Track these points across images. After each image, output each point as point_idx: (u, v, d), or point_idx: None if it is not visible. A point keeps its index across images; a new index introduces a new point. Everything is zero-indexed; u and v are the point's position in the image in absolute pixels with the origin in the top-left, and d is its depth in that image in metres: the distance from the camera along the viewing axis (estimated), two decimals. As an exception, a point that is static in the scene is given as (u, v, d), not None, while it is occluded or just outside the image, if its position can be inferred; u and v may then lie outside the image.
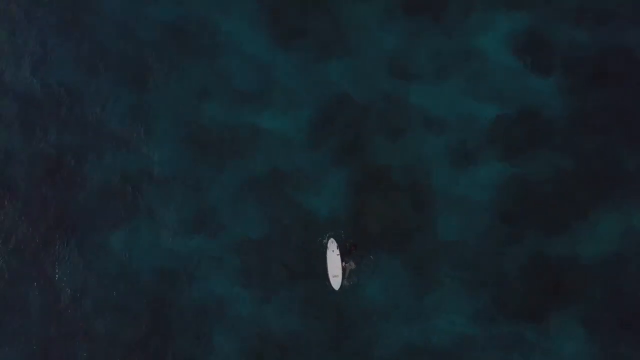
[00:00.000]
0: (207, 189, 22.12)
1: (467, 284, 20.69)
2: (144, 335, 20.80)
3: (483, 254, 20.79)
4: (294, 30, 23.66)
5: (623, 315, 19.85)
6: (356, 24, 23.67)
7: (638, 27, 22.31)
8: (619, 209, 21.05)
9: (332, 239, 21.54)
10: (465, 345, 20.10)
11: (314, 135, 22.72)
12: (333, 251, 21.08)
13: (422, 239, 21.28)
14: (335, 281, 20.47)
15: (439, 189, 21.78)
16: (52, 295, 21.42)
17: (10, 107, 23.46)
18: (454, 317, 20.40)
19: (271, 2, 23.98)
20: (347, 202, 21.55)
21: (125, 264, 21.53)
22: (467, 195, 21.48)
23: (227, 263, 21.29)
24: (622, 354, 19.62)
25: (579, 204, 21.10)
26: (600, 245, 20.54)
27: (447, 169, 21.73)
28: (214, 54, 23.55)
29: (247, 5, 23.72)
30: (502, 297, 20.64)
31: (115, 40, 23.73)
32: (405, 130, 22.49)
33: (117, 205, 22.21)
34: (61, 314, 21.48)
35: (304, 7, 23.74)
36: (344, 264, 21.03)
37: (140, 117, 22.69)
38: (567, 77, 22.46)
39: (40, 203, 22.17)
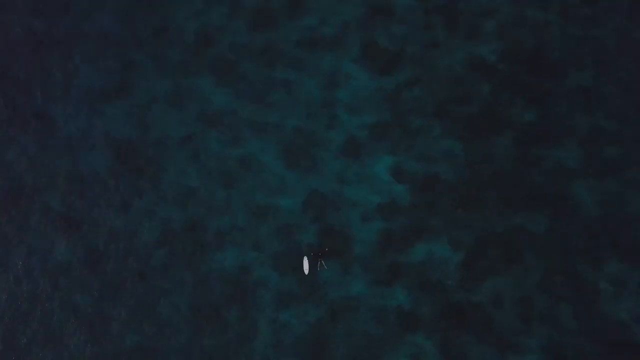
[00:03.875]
0: (258, 231, 47.81)
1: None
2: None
3: (377, 249, 47.29)
4: (297, 160, 48.63)
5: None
6: (320, 155, 48.97)
7: (446, 160, 49.61)
8: (435, 237, 47.46)
9: (305, 257, 42.59)
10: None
11: (304, 207, 44.74)
12: (305, 260, 42.64)
13: (345, 251, 46.17)
14: (305, 269, 42.53)
15: (355, 224, 44.62)
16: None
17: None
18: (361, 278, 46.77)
19: (284, 146, 49.76)
20: (317, 238, 46.33)
21: (223, 264, 47.48)
22: (370, 227, 46.24)
23: (266, 251, 46.43)
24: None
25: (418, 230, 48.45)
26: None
27: (359, 221, 46.53)
28: (259, 171, 48.39)
29: (273, 149, 48.55)
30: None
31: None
32: (343, 206, 45.46)
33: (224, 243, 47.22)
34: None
35: (298, 152, 50.35)
36: (314, 263, 45.25)
37: (230, 207, 48.20)
38: (412, 184, 45.53)
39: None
